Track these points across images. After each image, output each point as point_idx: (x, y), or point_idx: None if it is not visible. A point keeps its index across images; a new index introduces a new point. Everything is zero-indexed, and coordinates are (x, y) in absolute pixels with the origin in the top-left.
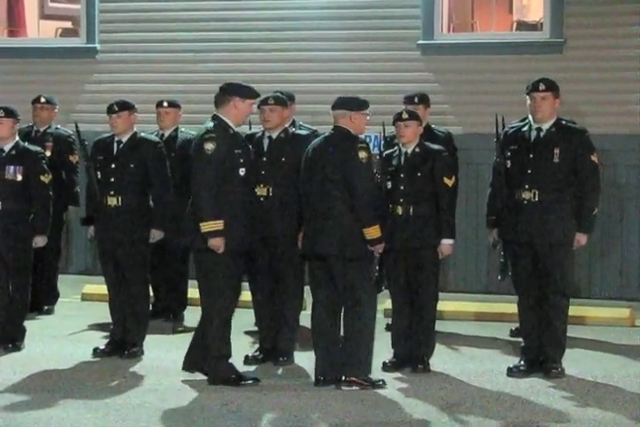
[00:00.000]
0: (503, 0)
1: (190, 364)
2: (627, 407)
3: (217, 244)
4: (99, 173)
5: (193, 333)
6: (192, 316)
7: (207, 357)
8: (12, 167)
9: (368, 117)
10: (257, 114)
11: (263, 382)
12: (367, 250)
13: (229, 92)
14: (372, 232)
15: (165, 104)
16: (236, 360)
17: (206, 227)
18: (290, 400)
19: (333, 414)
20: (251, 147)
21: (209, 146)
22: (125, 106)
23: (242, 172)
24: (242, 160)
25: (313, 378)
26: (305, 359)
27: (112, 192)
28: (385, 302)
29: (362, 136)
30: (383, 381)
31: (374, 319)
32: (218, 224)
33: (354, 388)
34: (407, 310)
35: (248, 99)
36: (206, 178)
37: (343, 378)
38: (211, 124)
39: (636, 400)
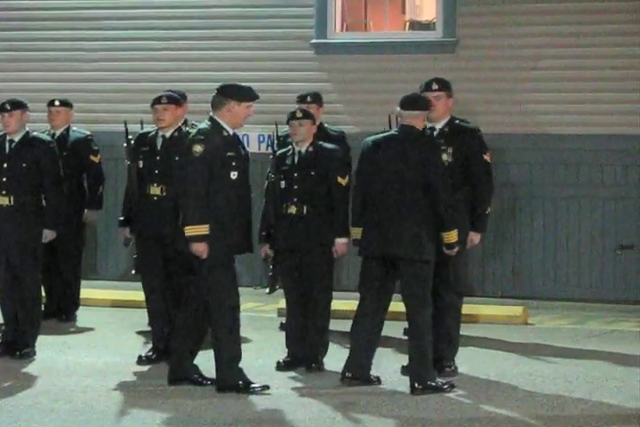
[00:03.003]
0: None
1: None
2: (519, 405)
3: (200, 249)
4: None
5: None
6: (84, 316)
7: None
8: None
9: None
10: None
11: (157, 382)
12: (435, 253)
13: (224, 94)
14: (452, 236)
15: (57, 103)
16: (130, 361)
17: (190, 231)
18: (184, 401)
19: (228, 413)
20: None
21: (197, 148)
22: (18, 105)
23: (233, 175)
24: (234, 163)
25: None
26: (202, 361)
27: (3, 192)
28: (279, 302)
29: (258, 135)
30: (451, 384)
31: (429, 323)
32: (202, 229)
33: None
34: (301, 310)
35: (245, 102)
36: (193, 180)
37: (416, 385)
38: (204, 126)
39: (529, 398)
